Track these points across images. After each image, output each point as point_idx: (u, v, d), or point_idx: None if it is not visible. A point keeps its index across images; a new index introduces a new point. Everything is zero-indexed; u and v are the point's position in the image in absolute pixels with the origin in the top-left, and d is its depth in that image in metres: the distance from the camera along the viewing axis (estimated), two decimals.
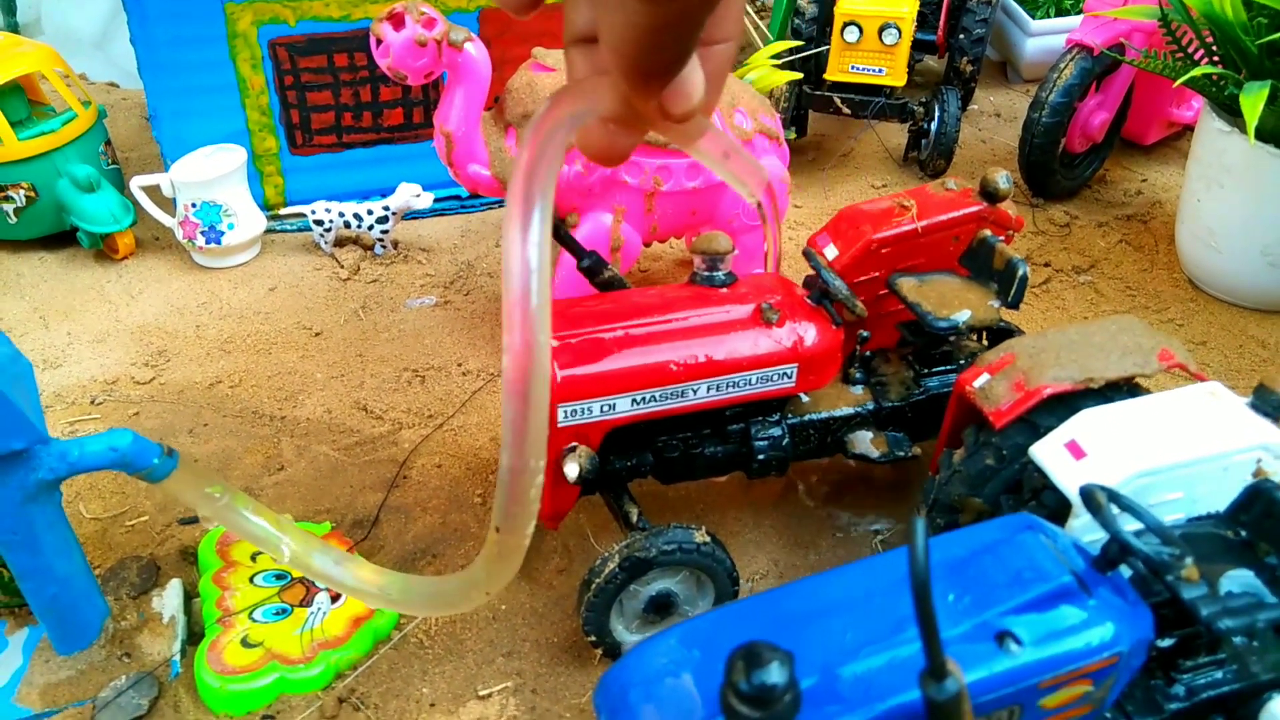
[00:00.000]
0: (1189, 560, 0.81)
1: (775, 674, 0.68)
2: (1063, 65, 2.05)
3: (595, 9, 0.38)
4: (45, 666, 1.22)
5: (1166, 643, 0.90)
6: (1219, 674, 0.91)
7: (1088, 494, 0.85)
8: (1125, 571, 0.86)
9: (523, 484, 0.46)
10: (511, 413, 0.44)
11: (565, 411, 1.15)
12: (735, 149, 0.49)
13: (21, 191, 1.93)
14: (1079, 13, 2.51)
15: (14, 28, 2.67)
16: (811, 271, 1.30)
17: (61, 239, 2.04)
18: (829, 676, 0.78)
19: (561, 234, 1.32)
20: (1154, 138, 2.38)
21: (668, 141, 1.54)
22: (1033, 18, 2.64)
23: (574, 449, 1.17)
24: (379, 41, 1.49)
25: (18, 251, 2.04)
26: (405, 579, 0.65)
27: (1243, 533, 0.94)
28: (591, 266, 1.30)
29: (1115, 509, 0.84)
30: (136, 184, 1.96)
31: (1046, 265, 2.03)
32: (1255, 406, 1.05)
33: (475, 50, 1.50)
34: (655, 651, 0.85)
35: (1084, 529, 1.01)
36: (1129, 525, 0.83)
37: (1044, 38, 2.65)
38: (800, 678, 0.70)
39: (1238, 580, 0.89)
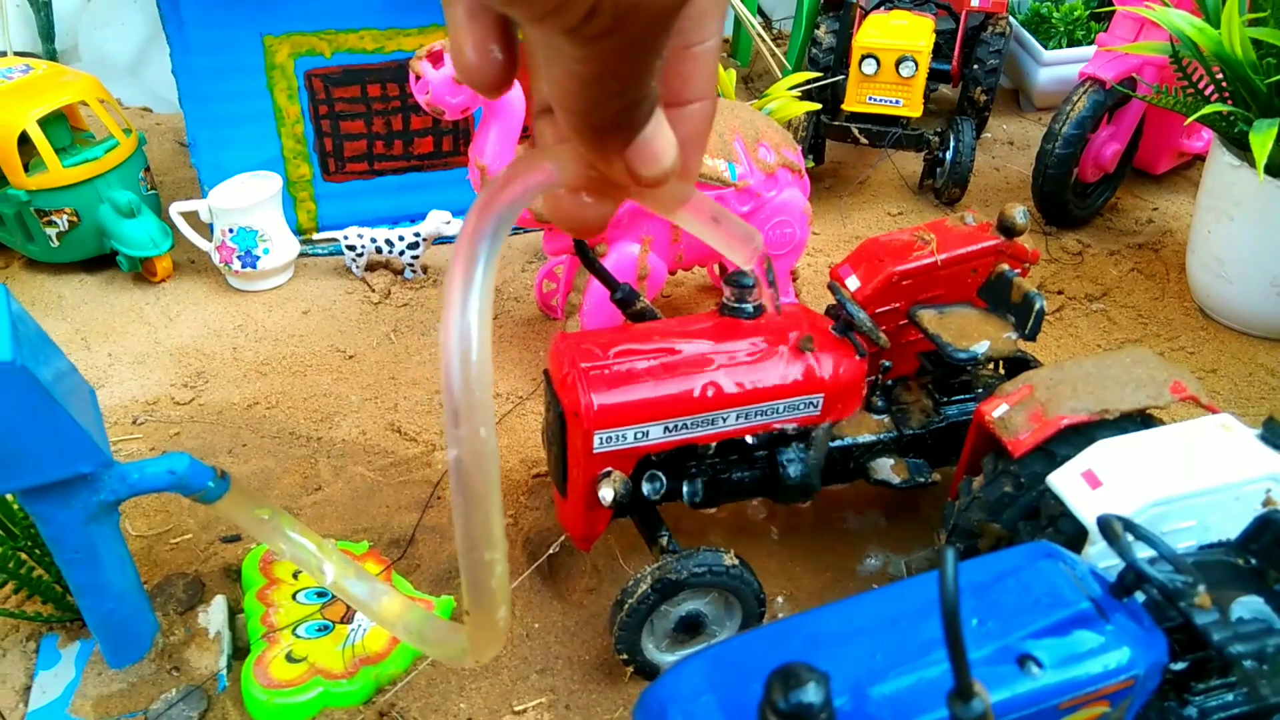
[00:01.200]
0: (1201, 587, 0.85)
1: (812, 694, 0.72)
2: (1076, 98, 2.10)
3: (545, 70, 0.36)
4: (98, 679, 1.27)
5: (1180, 666, 0.93)
6: (1230, 697, 0.95)
7: (1105, 523, 0.89)
8: (1140, 597, 0.90)
9: (480, 575, 0.46)
10: (460, 507, 0.43)
11: (601, 438, 1.20)
12: (724, 215, 0.46)
13: (65, 216, 1.99)
14: (1091, 43, 2.56)
15: (52, 54, 2.74)
16: (834, 302, 1.35)
17: (100, 262, 2.10)
18: (860, 696, 0.82)
19: (595, 266, 1.37)
20: (1164, 167, 2.43)
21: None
22: (1045, 48, 2.69)
23: (609, 474, 1.21)
24: (418, 78, 1.55)
25: (58, 274, 2.10)
26: (423, 621, 0.64)
27: (1253, 560, 0.98)
28: (624, 298, 1.35)
29: (1131, 538, 0.88)
30: (175, 210, 2.02)
31: (1060, 293, 2.08)
32: (1265, 439, 1.09)
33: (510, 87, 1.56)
34: (693, 670, 0.89)
35: (1100, 555, 1.05)
36: (1144, 553, 0.87)
37: (1056, 67, 2.70)
38: (833, 697, 0.74)
39: (1248, 606, 0.93)
